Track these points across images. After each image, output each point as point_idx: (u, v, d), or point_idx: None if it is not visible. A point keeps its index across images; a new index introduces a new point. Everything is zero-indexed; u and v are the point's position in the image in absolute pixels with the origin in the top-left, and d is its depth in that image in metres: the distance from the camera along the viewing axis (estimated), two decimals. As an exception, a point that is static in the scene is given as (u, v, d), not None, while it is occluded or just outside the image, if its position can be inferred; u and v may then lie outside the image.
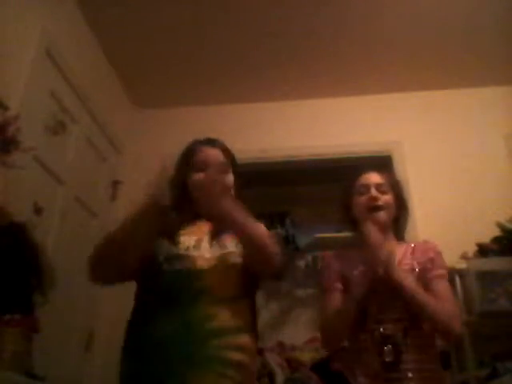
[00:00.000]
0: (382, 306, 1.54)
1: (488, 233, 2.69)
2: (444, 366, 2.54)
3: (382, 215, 1.65)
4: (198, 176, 1.42)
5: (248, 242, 1.36)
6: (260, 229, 1.38)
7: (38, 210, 2.22)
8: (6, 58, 2.08)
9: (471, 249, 2.68)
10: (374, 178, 1.72)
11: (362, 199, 1.68)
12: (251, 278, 1.44)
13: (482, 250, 2.65)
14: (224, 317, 1.31)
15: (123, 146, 3.30)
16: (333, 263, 1.69)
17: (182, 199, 1.42)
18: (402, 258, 1.63)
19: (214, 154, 1.51)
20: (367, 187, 1.69)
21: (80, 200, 2.71)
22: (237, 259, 1.41)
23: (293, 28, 2.88)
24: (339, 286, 1.64)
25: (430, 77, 3.28)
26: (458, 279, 2.52)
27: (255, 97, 3.44)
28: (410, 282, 1.51)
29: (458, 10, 2.75)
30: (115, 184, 3.15)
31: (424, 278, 1.57)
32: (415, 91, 3.38)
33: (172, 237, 1.42)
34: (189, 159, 1.50)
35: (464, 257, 2.64)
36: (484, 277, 2.48)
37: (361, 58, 3.11)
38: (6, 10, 2.08)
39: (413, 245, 1.70)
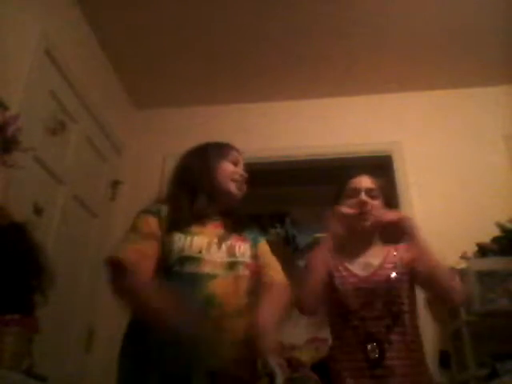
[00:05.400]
0: (365, 303, 1.55)
1: (488, 233, 2.69)
2: (444, 365, 2.55)
3: (369, 223, 1.65)
4: (229, 166, 1.58)
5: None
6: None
7: (38, 210, 2.22)
8: (6, 58, 2.08)
9: (471, 249, 2.68)
10: (364, 182, 1.71)
11: (351, 202, 1.68)
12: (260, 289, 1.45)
13: (482, 250, 2.65)
14: (235, 331, 1.33)
15: (123, 145, 3.30)
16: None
17: (204, 193, 1.50)
18: (386, 257, 1.65)
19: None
20: (357, 191, 1.69)
21: (80, 200, 2.71)
22: (245, 271, 1.43)
23: (292, 28, 2.87)
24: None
25: (431, 77, 3.28)
26: (457, 279, 2.52)
27: (255, 97, 3.44)
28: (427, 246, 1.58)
29: (458, 10, 2.75)
30: (115, 184, 3.15)
31: (413, 269, 1.60)
32: (415, 91, 3.38)
33: (184, 234, 1.42)
34: (223, 151, 1.62)
35: (464, 257, 2.64)
36: (484, 277, 2.48)
37: (361, 58, 3.11)
38: (5, 11, 2.08)
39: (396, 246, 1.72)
